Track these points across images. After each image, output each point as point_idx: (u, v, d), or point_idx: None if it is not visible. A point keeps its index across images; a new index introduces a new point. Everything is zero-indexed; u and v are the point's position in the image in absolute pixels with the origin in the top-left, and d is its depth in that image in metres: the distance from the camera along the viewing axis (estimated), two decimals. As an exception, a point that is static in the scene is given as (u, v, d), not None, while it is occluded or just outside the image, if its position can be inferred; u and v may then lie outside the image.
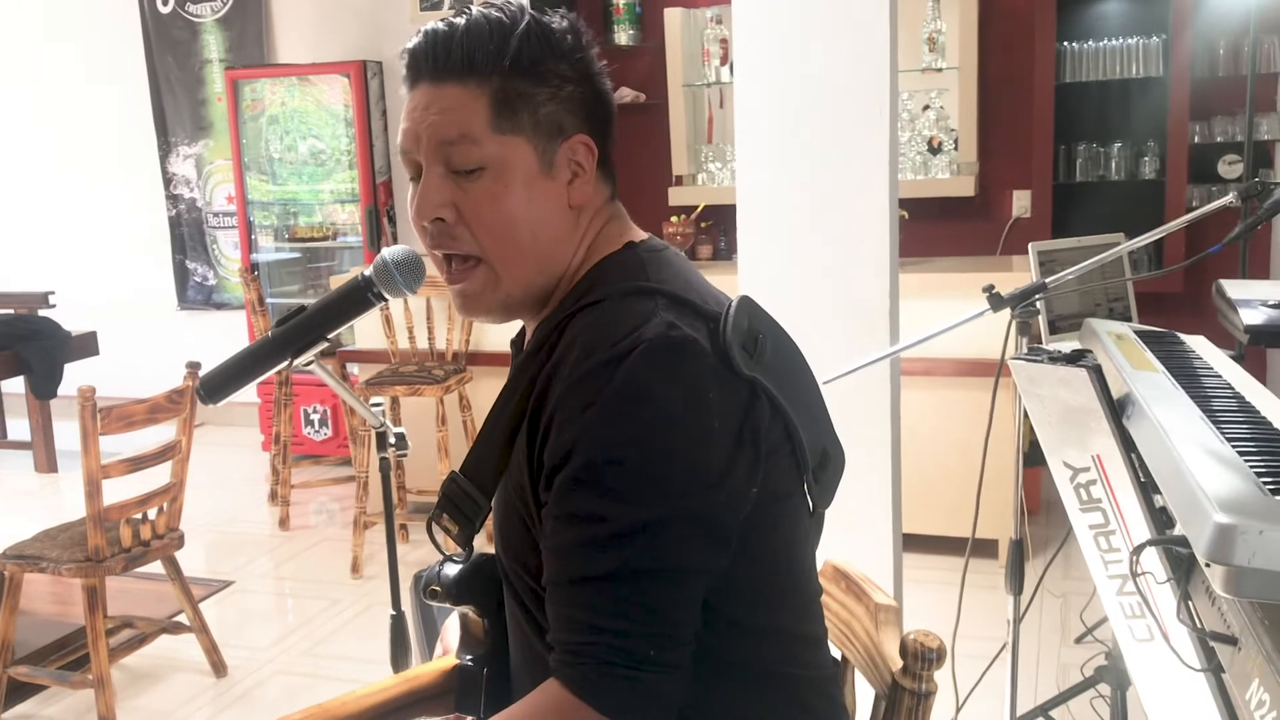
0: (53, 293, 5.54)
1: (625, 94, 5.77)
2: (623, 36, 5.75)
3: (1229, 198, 2.27)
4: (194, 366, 3.23)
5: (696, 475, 1.05)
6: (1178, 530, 1.49)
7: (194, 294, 6.51)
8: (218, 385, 1.67)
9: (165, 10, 6.24)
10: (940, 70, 5.19)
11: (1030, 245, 2.75)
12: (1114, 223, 3.67)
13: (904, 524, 2.65)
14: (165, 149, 6.41)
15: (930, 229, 5.00)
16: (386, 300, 1.64)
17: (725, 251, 5.46)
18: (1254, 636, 1.23)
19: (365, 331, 4.71)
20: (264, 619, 3.98)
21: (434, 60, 1.14)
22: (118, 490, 3.12)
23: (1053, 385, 1.80)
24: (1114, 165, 5.04)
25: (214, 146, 6.29)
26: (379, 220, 5.71)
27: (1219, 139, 4.90)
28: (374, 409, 1.97)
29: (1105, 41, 4.98)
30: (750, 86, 2.45)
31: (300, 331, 1.67)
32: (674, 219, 4.96)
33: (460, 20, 1.15)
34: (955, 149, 5.24)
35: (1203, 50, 4.84)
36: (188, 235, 6.48)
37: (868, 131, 2.36)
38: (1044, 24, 4.92)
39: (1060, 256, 2.69)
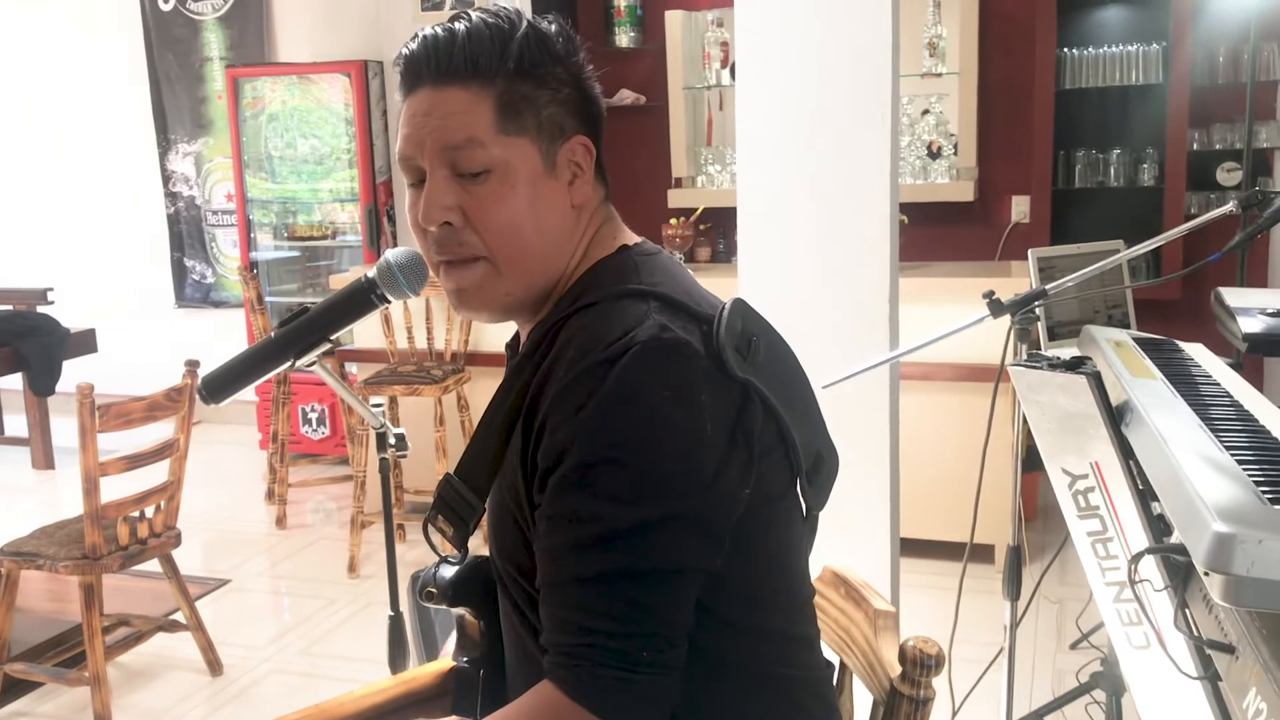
0: (51, 289, 5.54)
1: (626, 96, 5.77)
2: (623, 39, 5.75)
3: (1229, 206, 2.27)
4: (193, 365, 3.23)
5: (689, 476, 1.06)
6: (1175, 538, 1.49)
7: (192, 292, 6.51)
8: (220, 385, 1.67)
9: (166, 8, 6.23)
10: (940, 75, 5.20)
11: (1030, 252, 2.76)
12: (1112, 229, 3.68)
13: (902, 529, 2.66)
14: (165, 146, 6.41)
15: (929, 234, 5.00)
16: (390, 301, 1.65)
17: (724, 254, 5.47)
18: (1252, 645, 1.24)
19: (364, 331, 4.71)
20: (260, 618, 3.98)
21: (435, 64, 1.14)
22: (115, 488, 3.12)
23: (1052, 392, 1.80)
24: (1113, 172, 5.05)
25: (213, 144, 6.28)
26: (379, 220, 5.71)
27: (1218, 146, 4.91)
28: (374, 410, 1.98)
29: (1105, 48, 4.99)
30: (751, 90, 2.45)
31: (303, 332, 1.67)
32: (673, 221, 4.96)
33: (459, 25, 1.15)
34: (955, 154, 5.25)
35: (1202, 57, 4.86)
36: (186, 233, 6.48)
37: (869, 136, 2.36)
38: (1044, 30, 4.93)
39: (1060, 263, 2.70)
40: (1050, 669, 3.31)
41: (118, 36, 6.35)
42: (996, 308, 2.26)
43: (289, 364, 1.67)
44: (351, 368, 4.96)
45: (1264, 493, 1.24)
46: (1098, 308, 2.83)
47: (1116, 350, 1.93)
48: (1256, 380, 4.50)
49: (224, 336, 6.14)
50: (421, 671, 1.36)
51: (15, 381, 5.31)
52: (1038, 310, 2.31)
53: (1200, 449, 1.42)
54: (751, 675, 1.16)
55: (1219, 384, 1.83)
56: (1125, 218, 4.97)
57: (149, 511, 3.25)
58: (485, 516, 1.21)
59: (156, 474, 3.26)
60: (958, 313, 2.38)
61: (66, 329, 3.81)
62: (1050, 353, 2.00)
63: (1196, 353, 2.07)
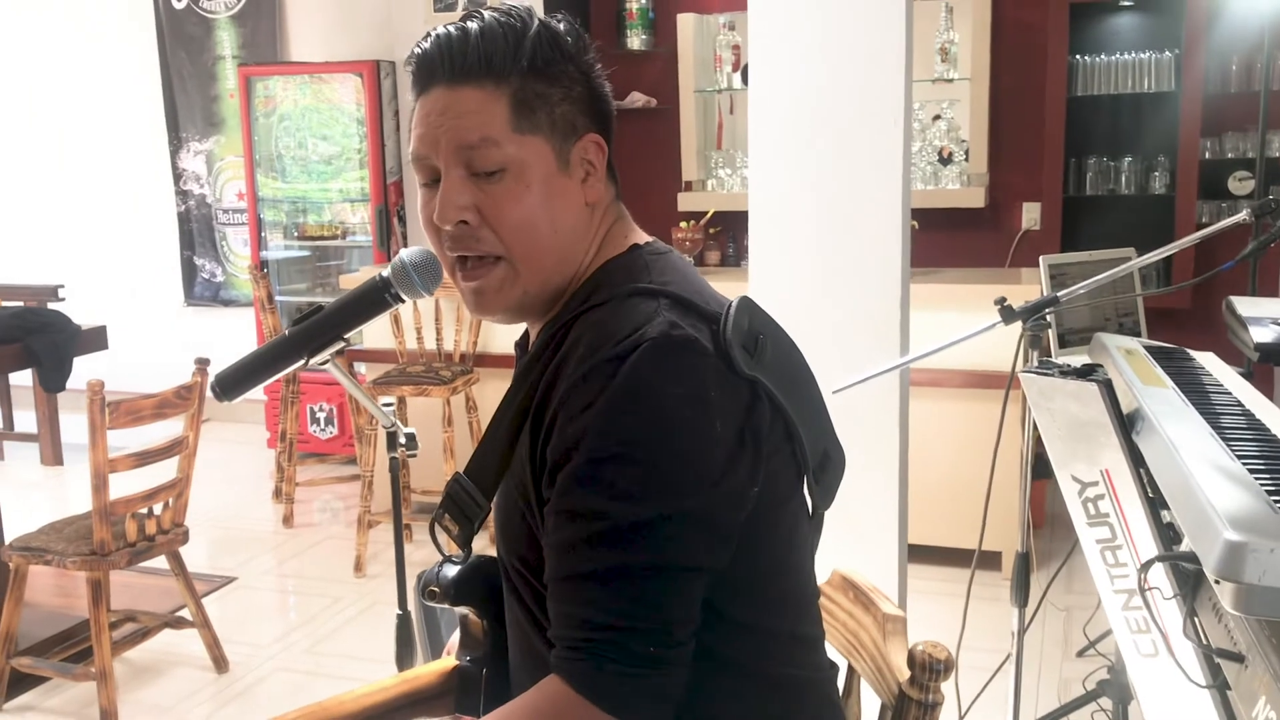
0: (62, 286, 5.56)
1: (636, 99, 5.78)
2: (635, 41, 5.76)
3: (1242, 214, 2.27)
4: (202, 363, 3.24)
5: (698, 474, 1.06)
6: (1185, 546, 1.49)
7: (201, 290, 6.52)
8: (234, 382, 1.68)
9: (179, 6, 6.25)
10: (952, 81, 5.19)
11: (1041, 258, 2.76)
12: (1123, 237, 3.68)
13: (910, 534, 2.65)
14: (176, 144, 6.42)
15: (939, 239, 5.00)
16: (404, 300, 1.65)
17: (733, 258, 5.47)
18: (1261, 654, 1.23)
19: (373, 332, 4.72)
20: (266, 616, 3.99)
21: (449, 63, 1.14)
22: (124, 484, 3.13)
23: (1063, 399, 1.80)
24: (1124, 179, 5.04)
25: (225, 143, 6.30)
26: (389, 220, 5.72)
27: (1230, 155, 4.90)
28: (385, 408, 1.98)
29: (1118, 55, 4.98)
30: (764, 94, 2.46)
31: (317, 331, 1.67)
32: (683, 224, 4.96)
33: (471, 24, 1.15)
34: (966, 160, 5.24)
35: (1216, 66, 4.85)
36: (197, 231, 6.50)
37: (881, 141, 2.36)
38: (1056, 37, 4.93)
39: (1071, 270, 2.70)
40: (1057, 676, 3.30)
41: (130, 35, 6.37)
42: (1008, 314, 2.26)
43: (302, 362, 1.68)
44: (360, 368, 4.97)
45: (1275, 501, 1.24)
46: (1109, 315, 2.83)
47: (1127, 358, 1.92)
48: (1267, 390, 4.48)
49: (233, 335, 6.15)
50: (424, 670, 1.36)
51: (25, 378, 5.31)
52: (1049, 317, 2.31)
53: (1211, 457, 1.42)
54: (755, 674, 1.17)
55: (1230, 393, 1.83)
56: (1136, 226, 4.96)
57: (157, 508, 3.25)
58: (492, 515, 1.22)
59: (165, 471, 3.27)
60: (967, 319, 2.37)
61: (77, 326, 3.81)
62: (1061, 360, 1.99)
63: (1207, 361, 2.07)
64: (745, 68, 5.33)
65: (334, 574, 4.27)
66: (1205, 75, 4.79)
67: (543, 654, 1.15)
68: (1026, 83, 5.16)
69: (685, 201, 5.48)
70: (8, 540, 3.30)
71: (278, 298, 5.59)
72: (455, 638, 1.39)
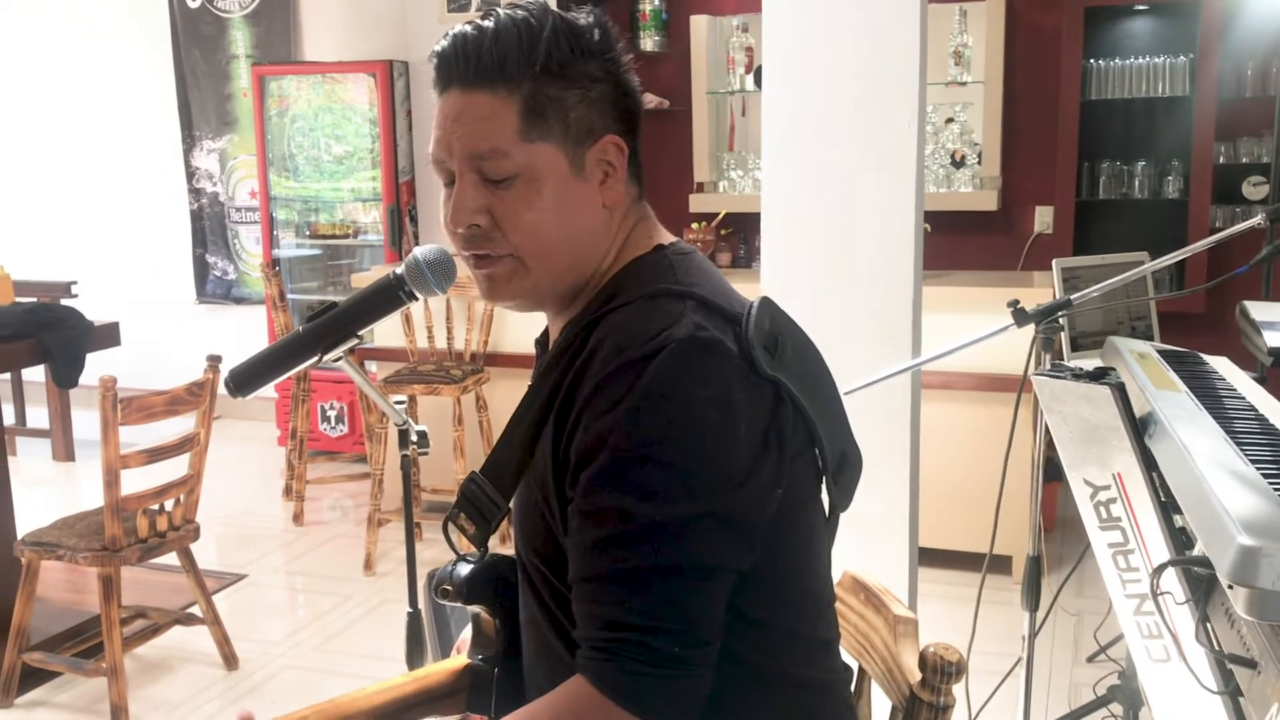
0: (75, 282, 5.58)
1: (649, 100, 5.78)
2: (648, 43, 5.76)
3: (1257, 219, 2.26)
4: (214, 360, 3.25)
5: (723, 475, 1.06)
6: (1198, 551, 1.49)
7: (213, 288, 6.54)
8: (247, 379, 1.68)
9: (194, 5, 6.27)
10: (965, 84, 5.19)
11: (1054, 262, 2.75)
12: (1136, 241, 3.66)
13: (921, 538, 2.65)
14: (189, 143, 6.44)
15: (952, 242, 4.99)
16: (417, 298, 1.65)
17: (745, 259, 5.47)
18: (1274, 659, 1.23)
19: (384, 330, 4.72)
20: (276, 613, 4.00)
21: (464, 65, 1.14)
22: (135, 481, 3.14)
23: (1075, 402, 1.79)
24: (1138, 184, 5.03)
25: (238, 141, 6.32)
26: (401, 219, 5.73)
27: (1244, 160, 4.88)
28: (397, 406, 1.98)
29: (1132, 60, 4.97)
30: (777, 96, 2.45)
31: (331, 328, 1.68)
32: (695, 226, 4.96)
33: (488, 23, 1.14)
34: (979, 163, 5.23)
35: (1230, 71, 4.83)
36: (209, 229, 6.52)
37: (895, 143, 2.36)
38: (1071, 40, 4.91)
39: (1084, 274, 2.69)
40: (1067, 681, 3.29)
41: (144, 34, 6.39)
42: (1021, 316, 2.26)
43: (316, 359, 1.68)
44: (371, 366, 4.98)
45: (1290, 506, 1.23)
46: (1121, 319, 2.82)
47: (1140, 362, 1.92)
48: None
49: (245, 333, 6.17)
50: (436, 668, 1.36)
51: (38, 373, 5.34)
52: (1061, 320, 2.30)
53: (1224, 462, 1.42)
54: (776, 676, 1.16)
55: (1243, 397, 1.82)
56: (1149, 230, 4.94)
57: (168, 505, 3.26)
58: (509, 514, 1.22)
59: (176, 468, 3.28)
60: (979, 322, 2.37)
61: (90, 322, 3.82)
62: (1073, 363, 1.99)
63: (1221, 366, 2.07)
64: (758, 69, 5.33)
65: (344, 572, 4.28)
66: (1220, 80, 4.77)
67: (559, 651, 1.15)
68: (1040, 86, 5.14)
69: (697, 203, 5.49)
70: (20, 535, 3.32)
71: (289, 296, 5.60)
72: (465, 634, 1.40)
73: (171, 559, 3.41)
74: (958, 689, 1.23)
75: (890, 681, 1.30)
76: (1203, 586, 1.44)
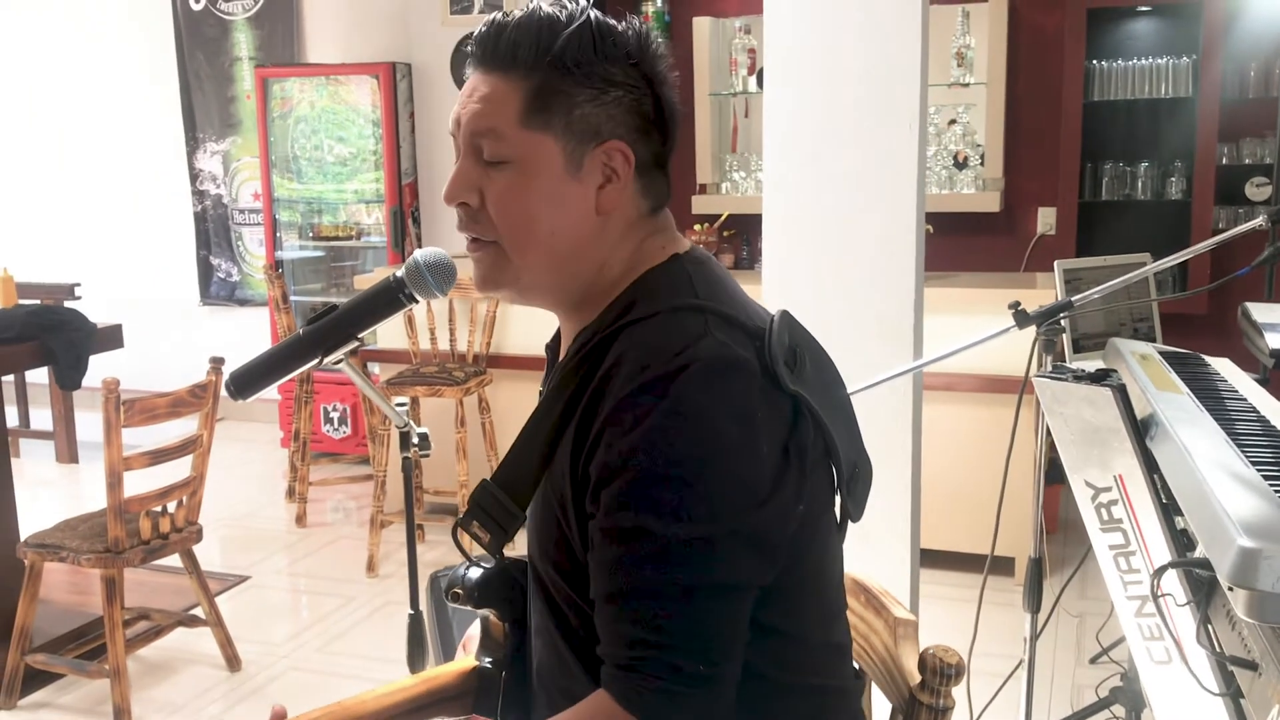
0: (79, 284, 5.59)
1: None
2: (651, 44, 5.75)
3: (1259, 220, 2.26)
4: (217, 362, 3.25)
5: (746, 493, 1.06)
6: (1199, 553, 1.49)
7: (217, 289, 6.55)
8: (248, 381, 1.69)
9: (197, 7, 6.29)
10: (968, 85, 5.18)
11: (1056, 263, 2.75)
12: (1139, 243, 3.66)
13: (922, 539, 2.65)
14: (193, 145, 6.45)
15: (954, 244, 4.99)
16: (417, 301, 1.66)
17: (747, 260, 5.47)
18: (1275, 661, 1.23)
19: (387, 331, 4.73)
20: (279, 614, 4.00)
21: (485, 48, 1.16)
22: (138, 482, 3.14)
23: (1077, 404, 1.79)
24: (1140, 185, 5.03)
25: (241, 144, 6.33)
26: (404, 221, 5.74)
27: (1247, 161, 4.88)
28: (399, 408, 1.98)
29: (1135, 61, 4.96)
30: (779, 97, 2.45)
31: (331, 330, 1.68)
32: (697, 227, 4.97)
33: (519, 12, 1.16)
34: (981, 164, 5.23)
35: (1233, 72, 4.83)
36: (213, 231, 6.53)
37: (896, 144, 2.36)
38: (1073, 42, 4.91)
39: (1086, 275, 2.69)
40: (1070, 683, 3.29)
41: (148, 36, 6.41)
42: (1022, 318, 2.26)
43: (316, 361, 1.68)
44: (374, 368, 4.98)
45: (1290, 508, 1.23)
46: (1123, 321, 2.82)
47: (1142, 364, 1.92)
48: (1282, 397, 4.45)
49: (248, 334, 6.18)
50: (444, 670, 1.36)
51: (42, 375, 5.35)
52: (1063, 322, 2.30)
53: (1225, 463, 1.42)
54: (790, 687, 1.16)
55: (1245, 399, 1.82)
56: (1152, 231, 4.94)
57: (171, 506, 3.27)
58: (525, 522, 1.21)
59: (179, 469, 3.28)
60: (982, 323, 2.37)
61: (94, 324, 3.83)
62: (1075, 365, 1.99)
63: (1222, 367, 2.07)
64: (760, 71, 5.33)
65: (347, 573, 4.28)
66: (1223, 81, 4.77)
67: (568, 659, 1.15)
68: (1043, 87, 5.14)
69: (699, 204, 5.49)
70: (23, 537, 3.32)
71: (292, 298, 5.61)
72: (471, 631, 1.39)
73: (174, 561, 3.42)
74: (959, 691, 1.23)
75: (890, 683, 1.31)
76: (1204, 588, 1.44)
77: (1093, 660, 3.36)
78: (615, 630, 1.08)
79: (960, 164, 5.25)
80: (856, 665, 1.29)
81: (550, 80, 1.13)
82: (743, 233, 5.36)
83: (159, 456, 3.15)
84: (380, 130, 5.67)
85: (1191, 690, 1.50)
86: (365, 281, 4.86)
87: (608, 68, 1.15)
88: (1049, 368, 2.17)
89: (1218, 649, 1.41)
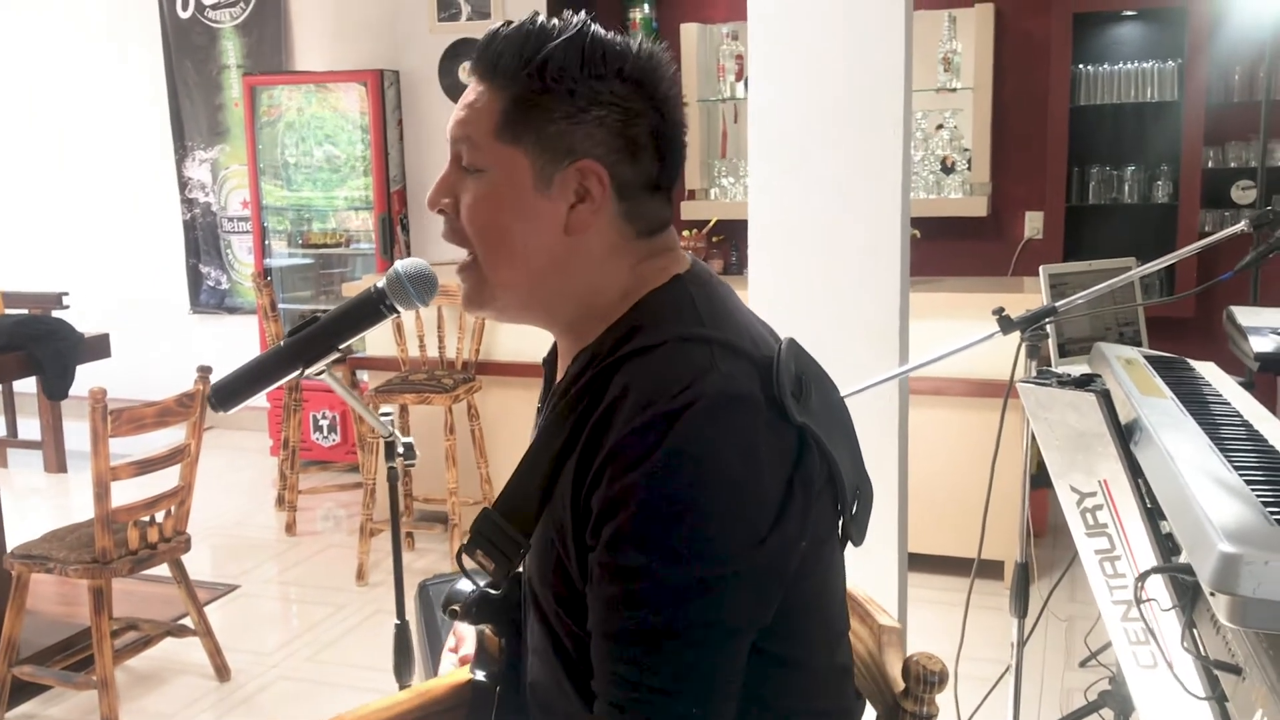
0: (66, 294, 5.57)
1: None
2: (639, 50, 5.76)
3: (1241, 224, 2.27)
4: (205, 371, 3.25)
5: (749, 533, 1.04)
6: (1183, 558, 1.49)
7: (206, 298, 6.54)
8: (229, 393, 1.68)
9: (185, 15, 6.28)
10: (955, 90, 5.20)
11: (1041, 268, 2.76)
12: (1126, 246, 3.68)
13: (910, 544, 2.65)
14: (181, 153, 6.44)
15: (942, 248, 5.00)
16: (399, 312, 1.65)
17: (736, 266, 5.47)
18: (1258, 666, 1.23)
19: (376, 339, 4.72)
20: (269, 624, 3.99)
21: (479, 53, 1.16)
22: (126, 492, 3.13)
23: (1061, 409, 1.80)
24: (1127, 189, 5.05)
25: (230, 151, 6.32)
26: (392, 228, 5.73)
27: (1232, 164, 4.90)
28: (383, 419, 1.98)
29: (1121, 65, 4.98)
30: (764, 103, 2.46)
31: (313, 341, 1.68)
32: (686, 233, 4.97)
33: (514, 22, 1.15)
34: (968, 169, 5.25)
35: (1218, 76, 4.85)
36: (202, 239, 6.51)
37: (881, 149, 2.37)
38: (1060, 46, 4.93)
39: (1071, 280, 2.70)
40: (1058, 687, 3.30)
41: (136, 44, 6.40)
42: (1006, 324, 2.26)
43: (298, 372, 1.68)
44: (363, 375, 4.98)
45: (1272, 513, 1.24)
46: (1109, 325, 2.83)
47: (1127, 368, 1.92)
48: (1268, 400, 4.46)
49: (238, 343, 6.16)
50: (439, 683, 1.36)
51: (29, 385, 5.33)
52: (1048, 327, 2.31)
53: (1209, 469, 1.42)
54: (792, 711, 1.15)
55: (1229, 403, 1.83)
56: (1138, 235, 4.96)
57: (159, 516, 3.26)
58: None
59: (167, 479, 3.27)
60: (969, 328, 2.37)
61: (81, 334, 3.82)
62: (1060, 370, 2.00)
63: (1208, 371, 2.07)
64: (748, 77, 5.34)
65: (336, 582, 4.27)
66: (1208, 85, 4.79)
67: (563, 681, 1.14)
68: (1029, 92, 5.16)
69: (688, 210, 5.50)
70: (10, 548, 3.31)
71: (281, 305, 5.60)
72: (460, 629, 1.39)
73: (163, 570, 3.41)
74: (945, 696, 1.23)
75: (874, 691, 1.31)
76: (1188, 593, 1.44)
77: (1082, 664, 3.36)
78: (610, 670, 1.06)
79: (947, 169, 5.26)
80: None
81: (527, 93, 1.11)
82: (731, 238, 5.36)
83: (147, 466, 3.14)
84: (369, 137, 5.66)
85: (1177, 694, 1.50)
86: (354, 289, 4.86)
87: (593, 85, 1.11)
88: (1033, 373, 2.18)
89: (1202, 653, 1.41)
